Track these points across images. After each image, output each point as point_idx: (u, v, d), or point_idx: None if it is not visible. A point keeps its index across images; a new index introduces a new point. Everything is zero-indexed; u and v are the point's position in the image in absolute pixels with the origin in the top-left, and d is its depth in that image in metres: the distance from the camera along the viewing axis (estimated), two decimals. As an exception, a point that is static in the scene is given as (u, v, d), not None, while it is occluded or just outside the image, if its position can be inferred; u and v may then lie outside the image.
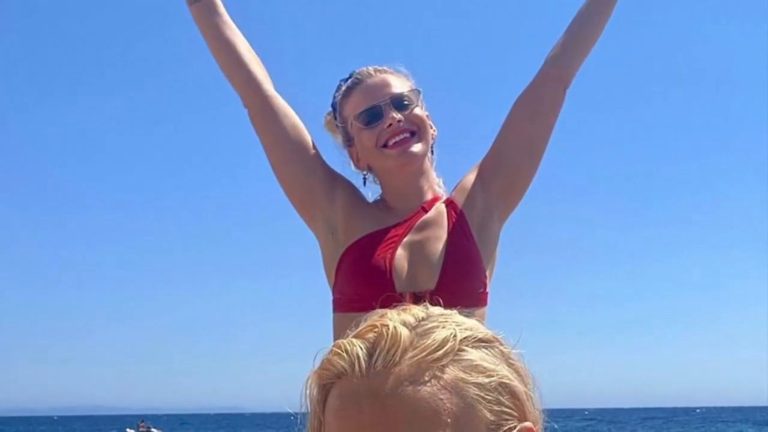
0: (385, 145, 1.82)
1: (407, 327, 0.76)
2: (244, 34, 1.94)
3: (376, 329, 0.76)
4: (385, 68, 1.89)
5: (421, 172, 1.86)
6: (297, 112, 1.92)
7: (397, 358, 0.73)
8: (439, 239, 1.80)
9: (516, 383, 0.78)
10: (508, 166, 1.89)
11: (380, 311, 0.80)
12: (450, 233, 1.81)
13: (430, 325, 0.77)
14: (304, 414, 0.81)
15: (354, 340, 0.76)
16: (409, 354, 0.74)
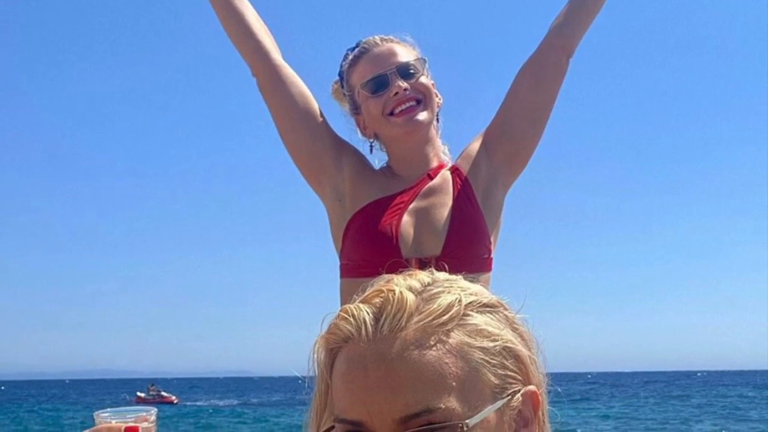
0: (391, 113, 1.82)
1: (413, 292, 0.77)
2: (252, 4, 1.93)
3: (383, 294, 0.77)
4: (391, 37, 1.89)
5: (426, 140, 1.87)
6: (304, 81, 1.91)
7: (403, 323, 0.74)
8: (444, 206, 1.81)
9: (520, 347, 0.79)
10: (512, 134, 1.89)
11: (386, 277, 0.81)
12: (455, 200, 1.81)
13: (435, 291, 0.78)
14: (311, 377, 0.82)
15: (361, 305, 0.77)
16: (415, 319, 0.75)
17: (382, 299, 0.76)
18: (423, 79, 1.84)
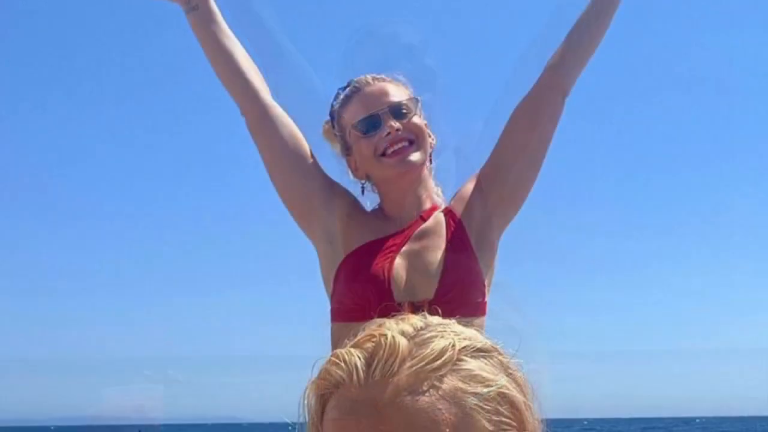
0: (383, 154, 1.82)
1: (406, 337, 0.76)
2: (242, 43, 1.95)
3: (375, 339, 0.76)
4: (383, 76, 1.90)
5: (419, 181, 1.86)
6: (294, 121, 1.92)
7: (396, 368, 0.73)
8: (437, 248, 1.80)
9: (515, 393, 0.77)
10: (507, 176, 1.89)
11: (378, 321, 0.80)
12: (448, 242, 1.80)
13: (428, 335, 0.77)
14: (302, 424, 0.80)
15: (352, 350, 0.76)
16: (408, 364, 0.74)
17: (373, 344, 0.75)
18: (416, 119, 1.85)
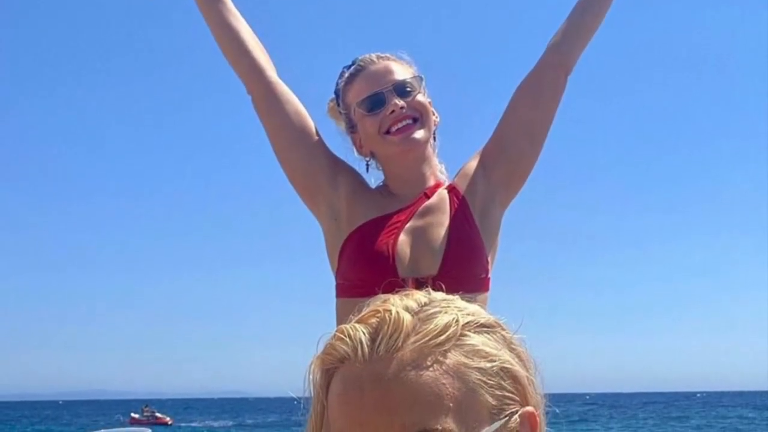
0: (387, 132, 1.82)
1: (410, 312, 0.77)
2: (247, 21, 1.94)
3: (379, 314, 0.76)
4: (387, 55, 1.89)
5: (423, 159, 1.86)
6: (300, 99, 1.92)
7: (400, 343, 0.74)
8: (441, 225, 1.80)
9: (518, 368, 0.78)
10: (510, 153, 1.89)
11: (383, 296, 0.81)
12: (452, 219, 1.81)
13: (432, 311, 0.77)
14: (307, 398, 0.81)
15: (357, 325, 0.76)
16: (412, 339, 0.74)
17: (378, 319, 0.76)
18: (420, 97, 1.84)
